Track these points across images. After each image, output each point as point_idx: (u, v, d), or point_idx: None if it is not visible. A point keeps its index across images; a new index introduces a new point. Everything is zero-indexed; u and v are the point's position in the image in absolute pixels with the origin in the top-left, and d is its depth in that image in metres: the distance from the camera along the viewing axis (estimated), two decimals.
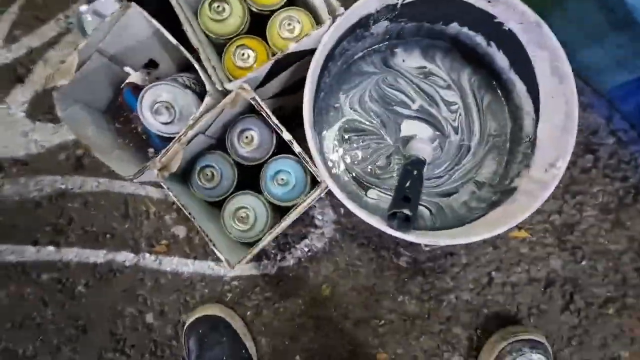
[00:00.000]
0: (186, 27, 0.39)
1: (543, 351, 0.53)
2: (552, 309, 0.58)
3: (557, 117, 0.39)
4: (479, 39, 0.46)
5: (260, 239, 0.42)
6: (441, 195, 0.49)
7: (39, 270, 0.61)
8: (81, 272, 0.61)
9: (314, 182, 0.42)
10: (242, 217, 0.42)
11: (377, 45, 0.51)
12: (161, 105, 0.38)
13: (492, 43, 0.46)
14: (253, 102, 0.39)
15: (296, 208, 0.39)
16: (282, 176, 0.41)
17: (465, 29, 0.46)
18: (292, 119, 0.45)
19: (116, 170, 0.39)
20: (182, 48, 0.38)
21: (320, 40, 0.39)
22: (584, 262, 0.58)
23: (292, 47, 0.38)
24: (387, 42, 0.51)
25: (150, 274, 0.60)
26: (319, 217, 0.60)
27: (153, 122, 0.39)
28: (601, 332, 0.58)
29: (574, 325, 0.58)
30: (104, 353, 0.60)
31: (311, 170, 0.40)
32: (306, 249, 0.60)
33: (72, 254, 0.61)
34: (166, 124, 0.39)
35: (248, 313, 0.60)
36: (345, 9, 0.39)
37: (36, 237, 0.62)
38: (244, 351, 0.56)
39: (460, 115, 0.50)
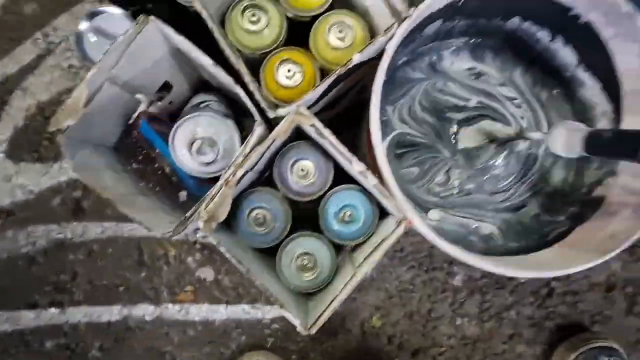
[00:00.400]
0: (222, 44, 0.32)
1: (620, 359, 0.50)
2: (615, 314, 0.55)
3: None
4: (541, 34, 0.42)
5: (323, 287, 0.36)
6: (509, 211, 0.44)
7: (41, 337, 0.52)
8: (93, 334, 0.52)
9: (381, 212, 0.36)
10: (304, 264, 0.35)
11: (422, 48, 0.45)
12: (204, 142, 0.30)
13: (557, 38, 0.41)
14: (312, 130, 0.32)
15: (376, 250, 0.33)
16: (348, 212, 0.35)
17: (526, 24, 0.41)
18: None
19: (150, 227, 0.31)
20: (223, 72, 0.31)
21: (386, 48, 0.32)
22: None
23: (357, 58, 0.31)
24: (432, 44, 0.45)
25: (176, 326, 0.52)
26: None
27: (191, 164, 0.32)
28: None
29: (639, 328, 0.55)
30: None
31: (382, 204, 0.34)
32: None
33: (79, 313, 0.52)
34: (208, 164, 0.32)
35: (294, 357, 0.53)
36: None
37: (34, 299, 0.52)
38: None
39: (526, 110, 0.45)
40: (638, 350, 0.55)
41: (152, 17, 0.31)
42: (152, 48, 0.34)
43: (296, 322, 0.31)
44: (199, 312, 0.53)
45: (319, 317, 0.32)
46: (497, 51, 0.45)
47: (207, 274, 0.53)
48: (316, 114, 0.43)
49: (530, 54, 0.44)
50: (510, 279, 0.55)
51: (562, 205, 0.43)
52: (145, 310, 0.52)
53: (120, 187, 0.34)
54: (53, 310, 0.52)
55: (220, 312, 0.53)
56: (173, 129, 0.31)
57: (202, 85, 0.46)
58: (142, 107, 0.40)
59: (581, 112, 0.43)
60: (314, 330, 0.31)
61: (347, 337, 0.54)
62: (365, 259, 0.33)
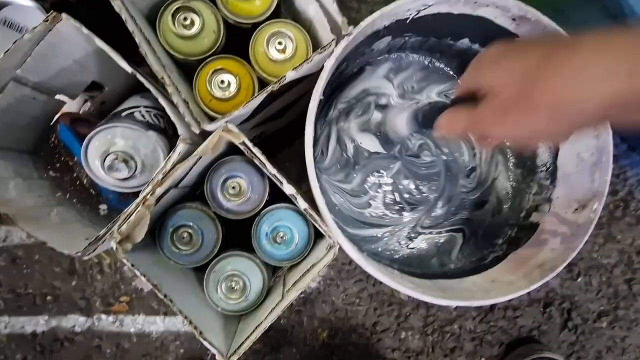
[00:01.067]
0: (145, 50, 0.29)
1: None
2: (551, 329, 0.57)
3: (585, 150, 0.35)
4: None
5: (252, 310, 0.35)
6: (475, 207, 0.44)
7: None
8: (16, 346, 0.48)
9: (317, 234, 0.35)
10: (232, 287, 0.33)
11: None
12: (116, 159, 0.28)
13: None
14: (242, 147, 0.30)
15: (305, 275, 0.31)
16: (282, 233, 0.33)
17: (476, 46, 0.41)
18: (271, 142, 0.37)
19: (55, 246, 0.28)
20: (143, 79, 0.28)
21: (324, 66, 0.31)
22: (579, 279, 0.58)
23: (290, 75, 0.30)
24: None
25: (110, 338, 0.50)
26: None
27: (106, 178, 0.29)
28: (596, 346, 0.58)
29: (572, 342, 0.58)
30: None
31: (316, 226, 0.32)
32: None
33: (0, 324, 0.48)
34: (125, 179, 0.29)
35: None
36: (349, 22, 0.32)
37: None
38: None
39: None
40: None
41: (64, 15, 0.28)
42: (69, 46, 0.31)
43: (214, 350, 0.29)
44: (134, 323, 0.50)
45: (241, 344, 0.30)
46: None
47: (144, 284, 0.50)
48: (262, 124, 0.41)
49: None
50: None
51: (503, 225, 0.43)
52: (75, 321, 0.49)
53: (28, 199, 0.31)
54: None
55: (157, 324, 0.50)
56: (85, 140, 0.28)
57: (140, 83, 0.43)
58: (65, 109, 0.37)
59: None
60: (234, 359, 0.30)
61: (291, 350, 0.53)
62: (294, 284, 0.32)
